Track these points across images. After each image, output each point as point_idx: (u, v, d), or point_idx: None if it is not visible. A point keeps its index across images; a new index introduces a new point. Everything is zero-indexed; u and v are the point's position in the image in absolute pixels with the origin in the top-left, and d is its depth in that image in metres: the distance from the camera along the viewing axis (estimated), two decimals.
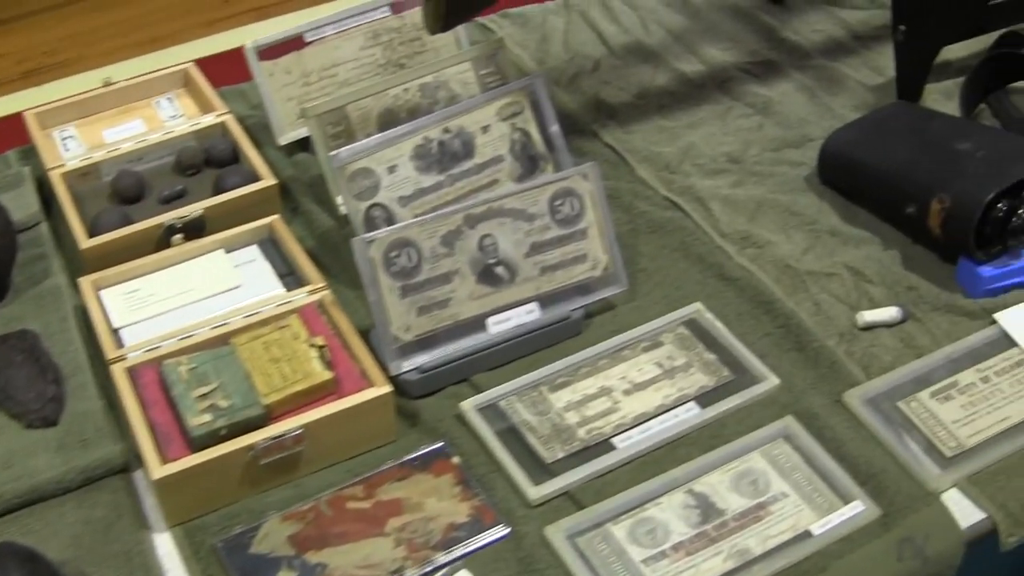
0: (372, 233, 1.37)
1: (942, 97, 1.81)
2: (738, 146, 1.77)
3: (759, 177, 1.71)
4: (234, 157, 1.69)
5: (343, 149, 1.49)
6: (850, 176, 1.65)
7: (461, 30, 1.77)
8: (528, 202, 1.44)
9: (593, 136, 1.80)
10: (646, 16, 2.06)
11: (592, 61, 1.94)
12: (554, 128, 1.60)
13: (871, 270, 1.54)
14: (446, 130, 1.54)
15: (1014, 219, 1.47)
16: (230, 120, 1.72)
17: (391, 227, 1.38)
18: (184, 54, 1.76)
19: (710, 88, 1.89)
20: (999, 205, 1.47)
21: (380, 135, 1.51)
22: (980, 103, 1.78)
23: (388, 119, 1.62)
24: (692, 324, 1.48)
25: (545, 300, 1.46)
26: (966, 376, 1.41)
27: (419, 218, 1.40)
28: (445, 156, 1.55)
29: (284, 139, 1.74)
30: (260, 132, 1.78)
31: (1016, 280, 1.51)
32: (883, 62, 1.88)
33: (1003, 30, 1.80)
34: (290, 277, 1.52)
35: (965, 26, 1.78)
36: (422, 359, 1.40)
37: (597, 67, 1.93)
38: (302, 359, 1.36)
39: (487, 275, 1.43)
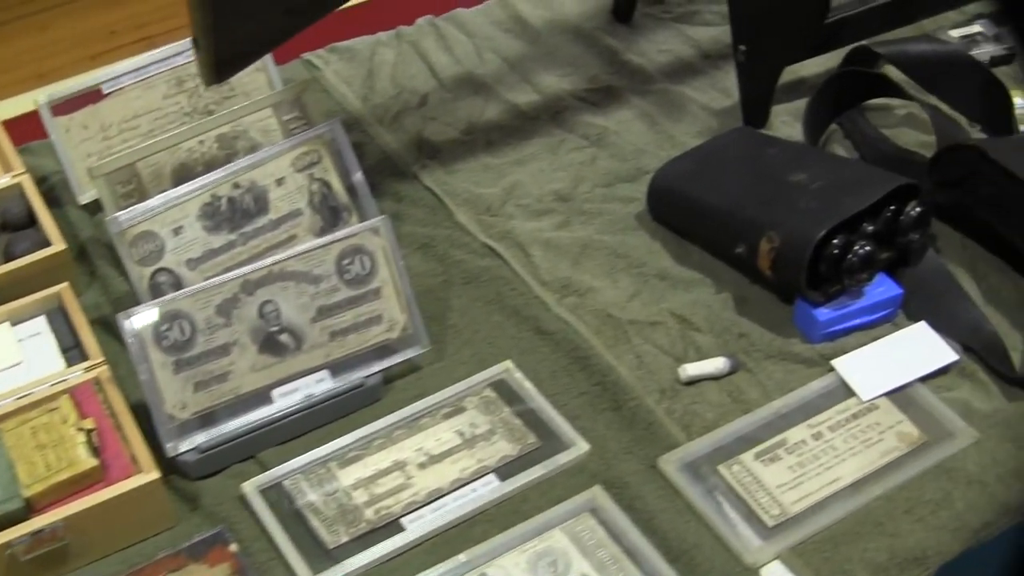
0: (137, 307, 1.27)
1: (792, 119, 1.70)
2: (567, 183, 1.64)
3: (587, 216, 1.58)
4: (31, 220, 1.58)
5: (121, 212, 1.38)
6: (680, 213, 1.53)
7: (273, 71, 1.65)
8: (313, 263, 1.33)
9: (413, 179, 1.67)
10: (482, 44, 1.92)
11: (419, 96, 1.81)
12: (357, 176, 1.49)
13: (699, 316, 1.43)
14: (236, 185, 1.43)
15: (850, 256, 1.36)
16: (26, 180, 1.60)
17: (158, 299, 1.28)
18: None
19: (543, 120, 1.76)
20: (834, 242, 1.35)
21: (161, 195, 1.40)
22: (830, 124, 1.66)
23: (183, 175, 1.51)
24: (500, 385, 1.37)
25: (337, 367, 1.35)
26: (796, 433, 1.30)
27: (190, 288, 1.29)
28: (236, 213, 1.43)
29: (85, 198, 1.62)
30: (66, 190, 1.66)
31: (857, 322, 1.39)
32: (732, 83, 1.74)
33: (852, 46, 1.68)
34: (75, 351, 1.41)
35: (805, 45, 1.66)
36: (201, 438, 1.29)
37: (424, 102, 1.79)
38: (68, 445, 1.25)
39: (270, 344, 1.32)
